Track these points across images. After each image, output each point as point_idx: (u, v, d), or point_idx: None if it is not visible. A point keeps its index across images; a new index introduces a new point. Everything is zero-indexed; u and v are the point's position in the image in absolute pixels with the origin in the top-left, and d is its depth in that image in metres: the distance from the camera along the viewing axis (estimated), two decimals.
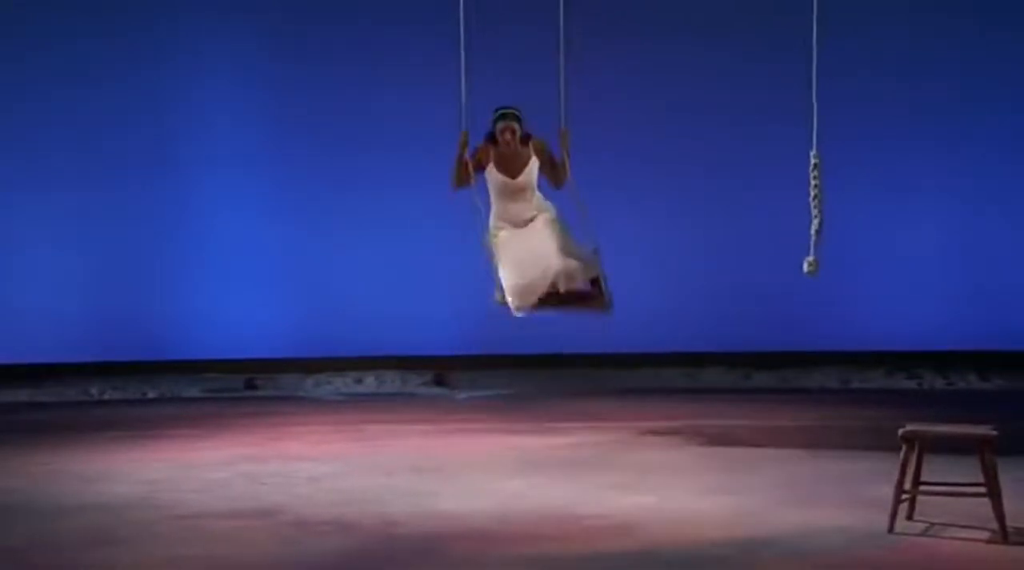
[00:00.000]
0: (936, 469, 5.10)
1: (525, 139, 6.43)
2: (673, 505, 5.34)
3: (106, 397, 9.14)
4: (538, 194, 6.45)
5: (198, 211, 9.43)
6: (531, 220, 6.40)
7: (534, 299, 6.25)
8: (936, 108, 9.30)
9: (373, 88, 9.36)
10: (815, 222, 5.62)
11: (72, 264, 9.37)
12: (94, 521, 5.21)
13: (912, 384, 9.12)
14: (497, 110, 6.44)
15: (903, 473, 4.85)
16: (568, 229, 6.41)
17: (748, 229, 9.33)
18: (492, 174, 6.39)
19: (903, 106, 9.27)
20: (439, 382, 9.32)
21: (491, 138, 6.42)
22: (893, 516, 4.83)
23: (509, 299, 6.29)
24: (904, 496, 4.89)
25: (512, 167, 6.41)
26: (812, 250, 5.64)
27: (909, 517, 4.96)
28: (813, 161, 5.61)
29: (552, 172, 6.46)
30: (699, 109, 9.30)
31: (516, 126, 6.39)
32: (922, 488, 4.96)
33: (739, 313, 9.30)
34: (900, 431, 4.89)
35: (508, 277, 6.30)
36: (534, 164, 6.43)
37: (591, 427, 7.41)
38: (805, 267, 5.69)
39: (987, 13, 9.26)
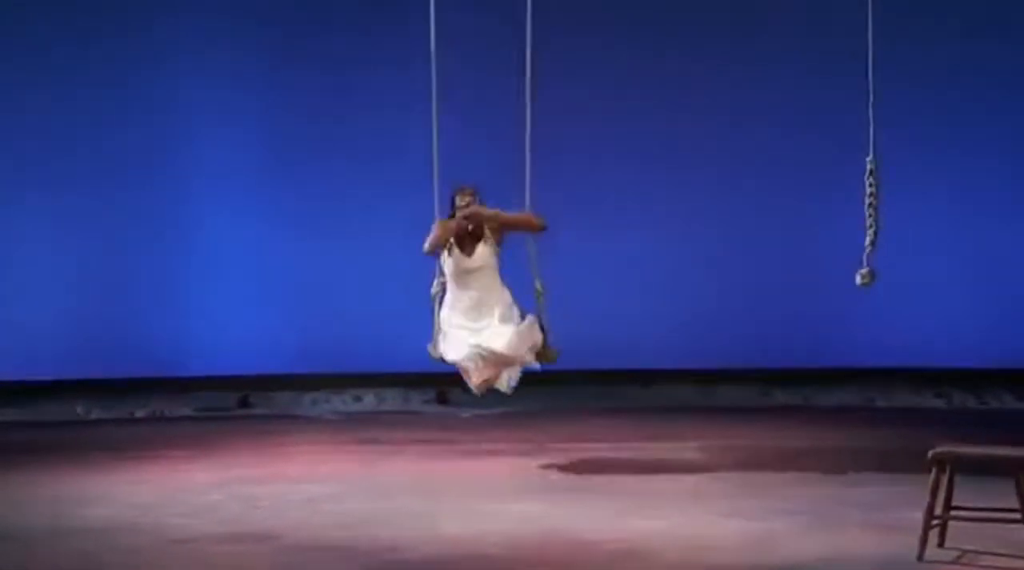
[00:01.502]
0: (968, 493, 5.05)
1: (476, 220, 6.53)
2: (687, 531, 5.31)
3: (92, 416, 9.12)
4: (499, 279, 6.50)
5: (190, 219, 9.42)
6: (488, 305, 6.46)
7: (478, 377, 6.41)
8: (962, 114, 9.29)
9: (376, 94, 9.36)
10: (870, 232, 5.58)
11: (57, 274, 9.36)
12: (78, 547, 5.18)
13: (940, 403, 9.08)
14: (455, 187, 6.60)
15: (933, 497, 4.81)
16: (516, 311, 6.48)
17: (766, 239, 9.30)
18: (449, 254, 6.50)
19: (929, 110, 9.25)
20: (442, 400, 9.30)
21: (450, 217, 6.57)
22: (923, 543, 4.78)
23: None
24: (934, 522, 4.85)
25: (468, 245, 6.52)
26: (866, 261, 5.60)
27: (940, 544, 4.92)
28: (869, 167, 5.58)
29: (517, 229, 6.55)
30: (715, 114, 9.28)
31: (473, 200, 6.53)
32: (953, 513, 4.92)
33: (756, 327, 9.28)
34: (930, 452, 4.85)
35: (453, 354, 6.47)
36: (489, 243, 6.51)
37: (601, 447, 7.38)
38: (858, 279, 5.65)
39: None
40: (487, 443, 7.66)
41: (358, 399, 9.40)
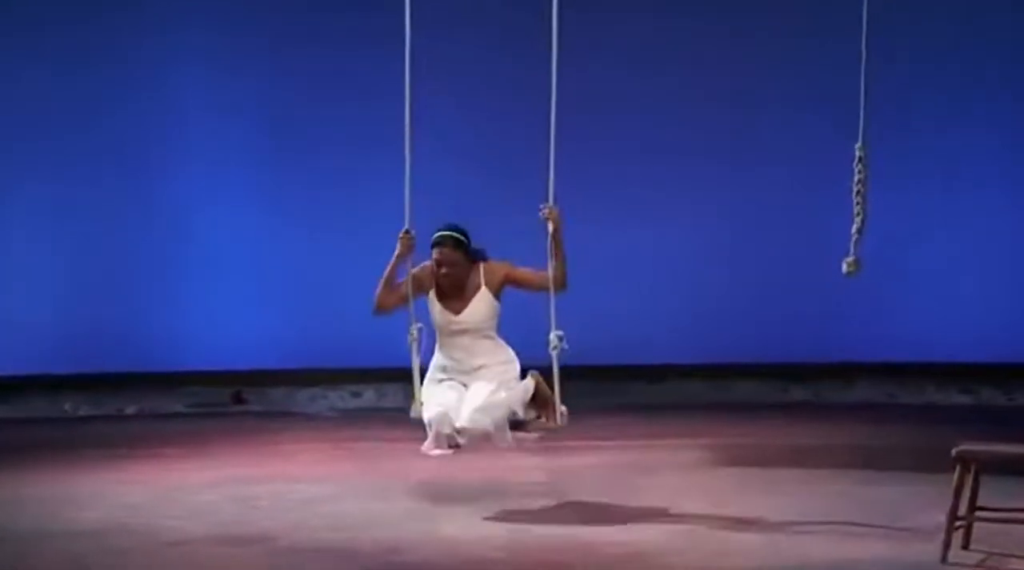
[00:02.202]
0: (994, 493, 5.05)
1: (473, 261, 5.65)
2: (698, 532, 5.31)
3: (80, 413, 9.14)
4: (497, 339, 5.66)
5: (180, 210, 9.42)
6: (478, 369, 5.62)
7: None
8: (1002, 96, 9.26)
9: (373, 80, 9.34)
10: (857, 220, 5.60)
11: (42, 267, 9.36)
12: (66, 549, 5.18)
13: (967, 399, 9.07)
14: (434, 233, 5.67)
15: (957, 497, 4.81)
16: (515, 369, 5.64)
17: (783, 230, 9.29)
18: (432, 307, 5.65)
19: (961, 95, 9.22)
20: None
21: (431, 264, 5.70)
22: (947, 545, 4.78)
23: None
24: (959, 523, 4.84)
25: (456, 298, 5.63)
26: (853, 249, 5.61)
27: (965, 546, 4.92)
28: (858, 154, 5.59)
29: (529, 285, 5.62)
30: (731, 101, 9.27)
31: (454, 255, 5.61)
32: (979, 514, 4.92)
33: (773, 321, 9.27)
34: (954, 451, 4.84)
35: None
36: (483, 298, 5.61)
37: (611, 446, 7.38)
38: (844, 268, 5.67)
39: None
40: (491, 441, 7.65)
41: (357, 395, 9.41)
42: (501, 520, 5.55)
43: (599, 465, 6.87)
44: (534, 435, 5.65)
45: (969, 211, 9.26)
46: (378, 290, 5.68)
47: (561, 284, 5.47)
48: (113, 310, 9.32)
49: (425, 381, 5.67)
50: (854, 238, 5.63)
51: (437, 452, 5.58)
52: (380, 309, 5.70)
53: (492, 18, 9.23)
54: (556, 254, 5.46)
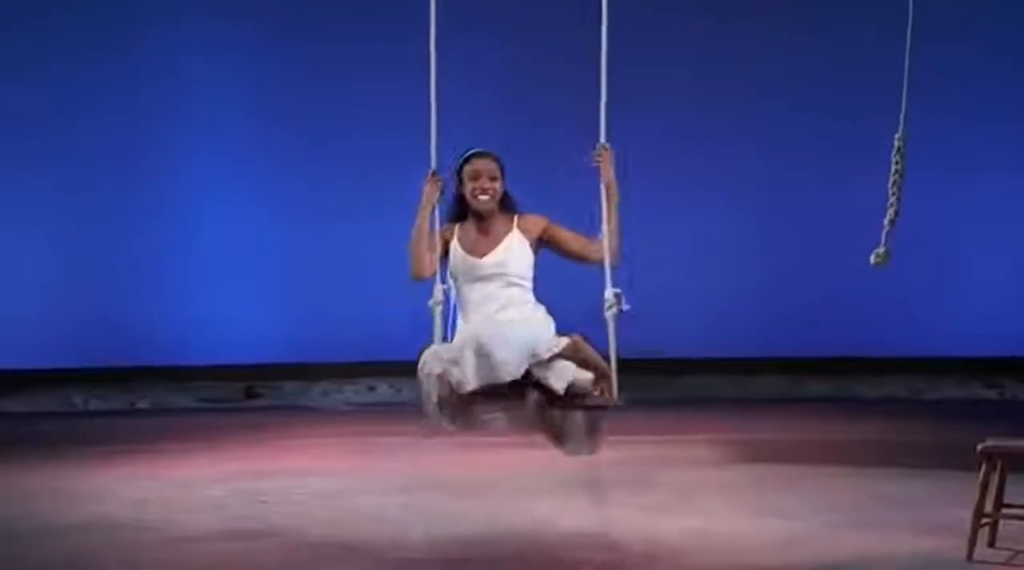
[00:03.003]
0: (1021, 490, 5.02)
1: (508, 206, 4.76)
2: (720, 529, 5.30)
3: (90, 408, 9.17)
4: (527, 294, 4.70)
5: (190, 200, 9.43)
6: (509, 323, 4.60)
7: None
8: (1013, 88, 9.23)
9: (382, 66, 9.34)
10: (890, 211, 5.57)
11: (50, 260, 9.38)
12: (77, 544, 5.20)
13: (992, 394, 9.04)
14: (464, 152, 4.80)
15: (983, 494, 4.79)
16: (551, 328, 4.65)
17: (803, 221, 9.27)
18: (453, 252, 4.74)
19: (993, 83, 9.18)
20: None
21: (455, 213, 4.80)
22: (972, 542, 4.76)
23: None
24: (984, 520, 4.82)
25: (481, 241, 4.73)
26: (884, 240, 5.58)
27: (991, 544, 4.89)
28: (896, 144, 5.56)
29: (569, 247, 4.75)
30: (756, 90, 9.25)
31: (497, 169, 4.72)
32: (1005, 511, 4.89)
33: (793, 314, 9.25)
34: (979, 446, 4.83)
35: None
36: (515, 242, 4.69)
37: (628, 441, 7.35)
38: (872, 258, 5.64)
39: None
40: (505, 437, 7.64)
41: (372, 389, 9.41)
42: (516, 515, 5.55)
43: (615, 460, 6.85)
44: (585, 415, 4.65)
45: (996, 203, 9.21)
46: (411, 251, 4.76)
47: (615, 254, 4.63)
48: (123, 303, 9.34)
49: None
50: (886, 229, 5.59)
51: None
52: (419, 273, 4.76)
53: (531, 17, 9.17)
54: (609, 215, 4.63)
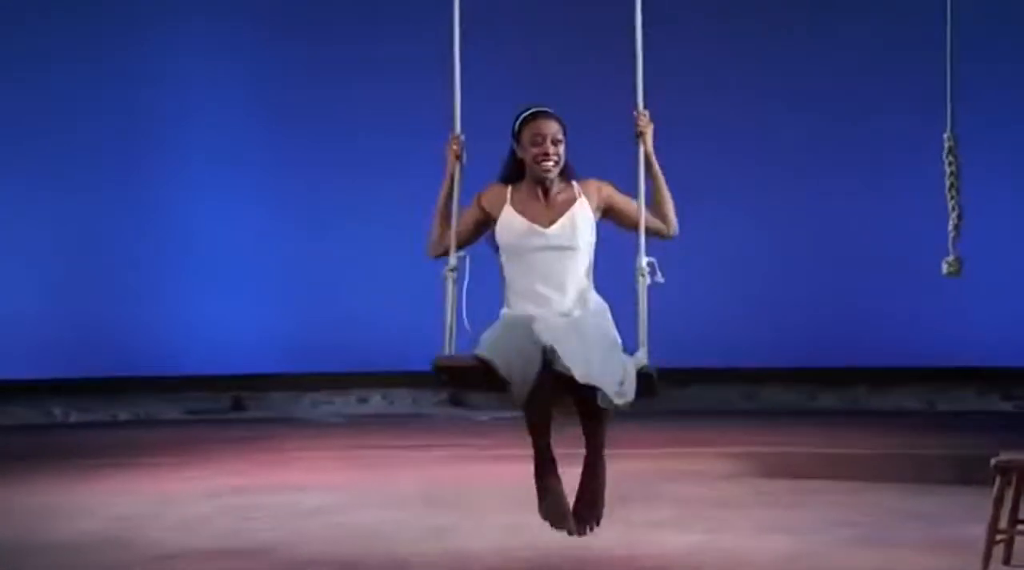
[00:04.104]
0: None
1: (565, 170, 4.37)
2: (726, 545, 5.33)
3: (71, 420, 9.19)
4: (590, 270, 4.37)
5: (176, 205, 9.46)
6: (570, 315, 4.27)
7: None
8: None
9: (378, 66, 9.39)
10: (952, 215, 5.59)
11: (31, 265, 9.42)
12: (56, 563, 5.22)
13: (1008, 406, 9.07)
14: (522, 109, 4.39)
15: (998, 510, 4.81)
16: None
17: (815, 229, 9.32)
18: (508, 220, 4.32)
19: (1010, 82, 9.22)
20: (456, 401, 9.33)
21: (506, 176, 4.41)
22: (986, 560, 4.79)
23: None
24: (999, 537, 4.85)
25: (544, 209, 4.33)
26: (951, 248, 5.59)
27: (1006, 561, 4.92)
28: (947, 144, 5.57)
29: (628, 216, 4.40)
30: (762, 99, 9.31)
31: (562, 130, 4.33)
32: (1021, 528, 4.91)
33: (804, 324, 9.28)
34: (994, 460, 4.86)
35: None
36: (583, 209, 4.34)
37: (632, 454, 7.39)
38: (944, 268, 5.65)
39: None
40: (505, 449, 7.66)
41: (364, 400, 9.44)
42: (517, 531, 5.57)
43: (620, 472, 6.84)
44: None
45: (1009, 209, 9.26)
46: (432, 225, 4.40)
47: (674, 223, 4.44)
48: (105, 311, 9.37)
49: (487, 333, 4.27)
50: (951, 236, 5.60)
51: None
52: (437, 250, 4.41)
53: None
54: (658, 184, 4.40)
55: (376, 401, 9.41)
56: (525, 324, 4.17)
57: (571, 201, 4.33)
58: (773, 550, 5.24)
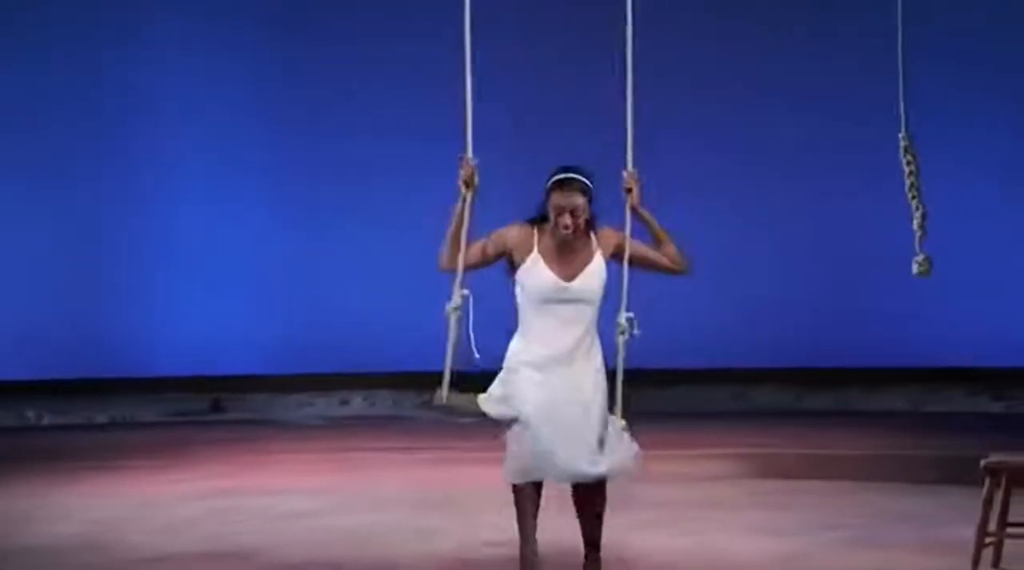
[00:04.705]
0: None
1: (589, 225, 4.74)
2: (715, 547, 5.37)
3: (46, 422, 9.18)
4: (596, 320, 4.76)
5: (156, 205, 9.47)
6: (573, 362, 4.71)
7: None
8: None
9: (363, 65, 9.41)
10: (916, 214, 5.62)
11: (5, 266, 9.40)
12: (35, 567, 5.23)
13: (998, 407, 9.14)
14: (555, 173, 4.72)
15: (987, 512, 4.85)
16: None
17: (802, 230, 9.37)
18: (533, 268, 4.68)
19: (997, 86, 9.29)
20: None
21: (538, 219, 4.74)
22: (975, 562, 4.84)
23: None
24: (988, 539, 4.89)
25: (567, 263, 4.71)
26: (918, 247, 5.63)
27: (995, 564, 4.96)
28: (902, 143, 5.62)
29: (645, 258, 4.86)
30: (741, 101, 9.37)
31: (583, 202, 4.67)
32: (1010, 530, 4.96)
33: (791, 325, 9.33)
34: (983, 462, 4.90)
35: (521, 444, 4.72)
36: (597, 264, 4.73)
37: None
38: (914, 268, 5.68)
39: None
40: (488, 451, 7.67)
41: (345, 402, 9.46)
42: (502, 533, 5.60)
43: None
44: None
45: (997, 208, 9.33)
46: (445, 245, 4.73)
47: (679, 260, 4.89)
48: (81, 312, 9.36)
49: (499, 377, 4.74)
50: (917, 235, 5.63)
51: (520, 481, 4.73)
52: (447, 264, 4.75)
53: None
54: (652, 229, 4.84)
55: (357, 403, 9.43)
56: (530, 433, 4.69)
57: (589, 257, 4.73)
58: (763, 552, 5.28)
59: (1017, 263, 9.35)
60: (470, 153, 4.68)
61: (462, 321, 4.63)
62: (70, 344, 9.34)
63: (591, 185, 4.69)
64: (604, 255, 4.74)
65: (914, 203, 5.63)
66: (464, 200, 4.67)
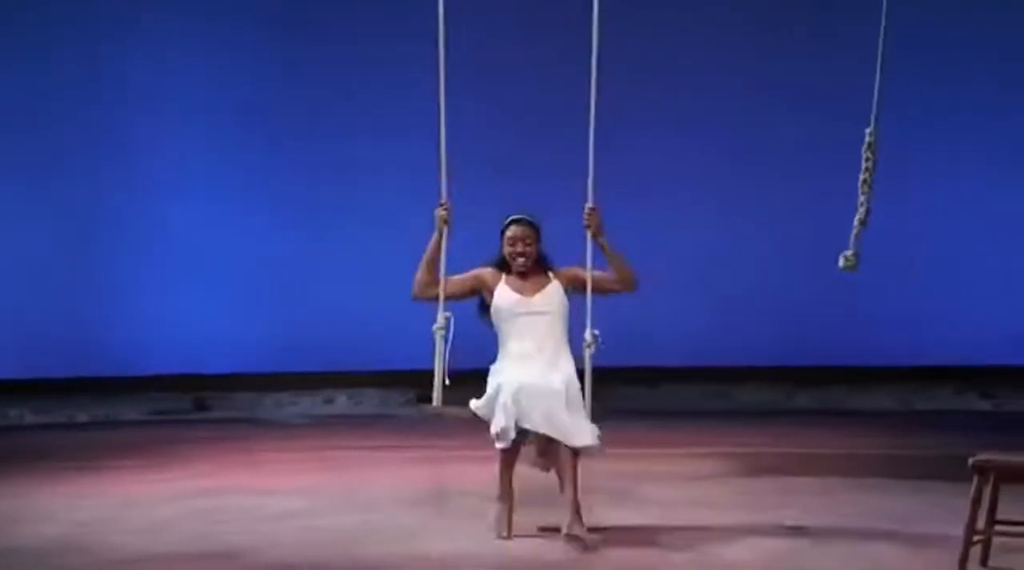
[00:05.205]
0: (1015, 506, 5.13)
1: (542, 263, 5.73)
2: (702, 546, 5.38)
3: (27, 422, 9.16)
4: (565, 331, 5.68)
5: (139, 202, 9.47)
6: (546, 363, 5.59)
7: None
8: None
9: (351, 63, 9.41)
10: (860, 210, 5.65)
11: None
12: (17, 568, 5.22)
13: (987, 405, 9.17)
14: (506, 217, 5.75)
15: (975, 510, 4.88)
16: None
17: (790, 227, 9.39)
18: (502, 293, 5.67)
19: (985, 82, 9.32)
20: (424, 401, 9.35)
21: (499, 263, 5.73)
22: (963, 561, 4.86)
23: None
24: (977, 537, 4.91)
25: (529, 287, 5.70)
26: (852, 242, 5.66)
27: (983, 562, 4.99)
28: (868, 139, 5.65)
29: (598, 281, 5.71)
30: (736, 103, 9.39)
31: (532, 233, 5.69)
32: (998, 528, 4.98)
33: (779, 323, 9.36)
34: (971, 460, 4.92)
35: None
36: (555, 287, 5.70)
37: (609, 455, 7.43)
38: (841, 261, 5.71)
39: None
40: (475, 450, 7.70)
41: (329, 401, 9.46)
42: (489, 534, 5.61)
43: (594, 474, 6.93)
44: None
45: (987, 208, 9.36)
46: (418, 273, 5.68)
47: (631, 279, 5.70)
48: (65, 311, 9.35)
49: (493, 373, 5.61)
50: (855, 230, 5.65)
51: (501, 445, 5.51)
52: (420, 297, 5.71)
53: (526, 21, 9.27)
54: (611, 256, 5.68)
55: (342, 401, 9.43)
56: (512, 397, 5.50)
57: (547, 282, 5.71)
58: (749, 552, 5.29)
59: (1005, 261, 9.39)
60: (444, 196, 5.58)
61: (446, 339, 5.57)
62: (54, 343, 9.33)
63: (537, 225, 5.69)
64: (562, 283, 5.69)
65: (861, 199, 5.65)
66: (440, 235, 5.60)
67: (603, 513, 5.97)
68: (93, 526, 5.86)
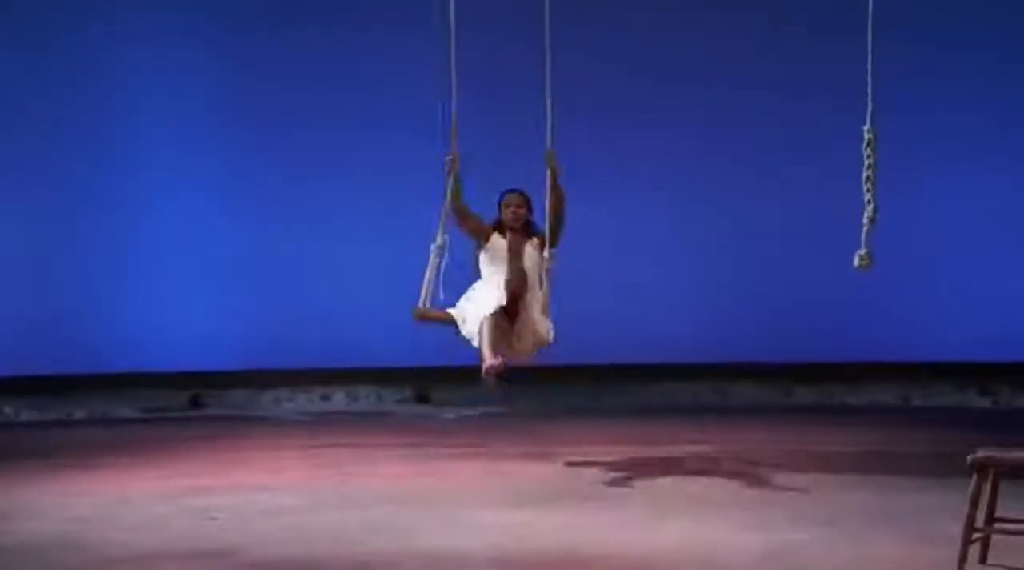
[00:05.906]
0: (1015, 503, 5.13)
1: (530, 229, 7.06)
2: (699, 544, 5.38)
3: (22, 419, 9.16)
4: (536, 289, 6.90)
5: (133, 196, 9.46)
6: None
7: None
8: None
9: (347, 55, 9.40)
10: (868, 208, 5.65)
11: None
12: (10, 566, 5.21)
13: (986, 402, 9.17)
14: (505, 191, 7.08)
15: (974, 507, 4.87)
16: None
17: (789, 222, 9.39)
18: (496, 241, 7.00)
19: (979, 79, 9.32)
20: (421, 398, 9.36)
21: (496, 227, 7.06)
22: (962, 559, 4.85)
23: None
24: (976, 535, 4.91)
25: (515, 242, 7.02)
26: (864, 241, 5.67)
27: (982, 560, 4.98)
28: (866, 136, 5.65)
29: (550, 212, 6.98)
30: (735, 100, 9.39)
31: (524, 200, 7.04)
32: (997, 526, 4.98)
33: (777, 318, 9.37)
34: (970, 457, 4.91)
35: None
36: (533, 245, 7.01)
37: (601, 452, 7.44)
38: (856, 261, 5.72)
39: None
40: (471, 447, 7.72)
41: (326, 398, 9.46)
42: (484, 531, 5.61)
43: (589, 471, 6.94)
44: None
45: (986, 203, 9.36)
46: (453, 214, 6.90)
47: (560, 215, 6.89)
48: (58, 307, 9.36)
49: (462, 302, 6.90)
50: (865, 229, 5.66)
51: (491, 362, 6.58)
52: (456, 215, 6.90)
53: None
54: (552, 186, 6.86)
55: (339, 398, 9.43)
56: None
57: (529, 239, 7.01)
58: (746, 549, 5.29)
59: (1005, 258, 9.39)
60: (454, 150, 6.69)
61: (440, 256, 6.73)
62: (48, 340, 9.34)
63: (528, 196, 6.99)
64: (540, 243, 6.95)
65: (867, 197, 5.66)
66: (451, 178, 6.81)
67: (600, 511, 5.97)
68: (88, 523, 5.86)
